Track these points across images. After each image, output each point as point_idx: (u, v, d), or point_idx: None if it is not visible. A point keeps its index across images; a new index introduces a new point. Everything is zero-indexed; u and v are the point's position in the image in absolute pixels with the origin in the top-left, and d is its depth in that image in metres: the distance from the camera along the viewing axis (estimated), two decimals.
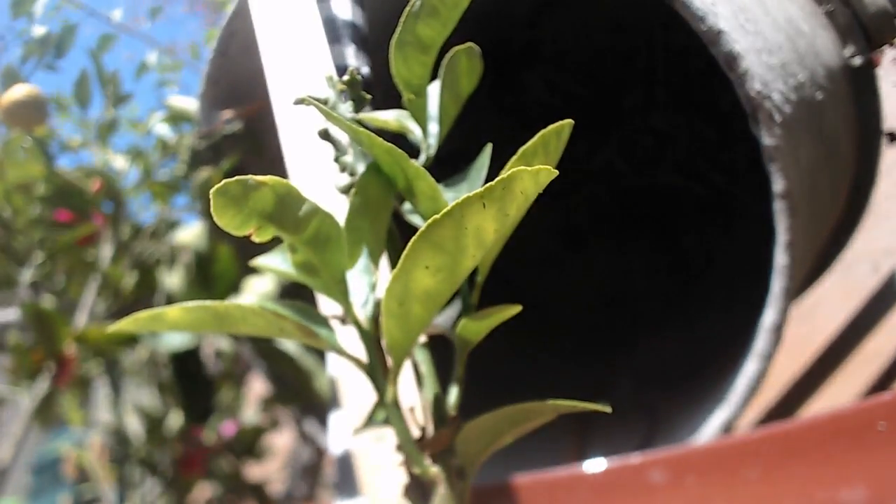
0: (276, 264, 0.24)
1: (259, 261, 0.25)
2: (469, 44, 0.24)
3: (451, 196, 0.24)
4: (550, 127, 0.20)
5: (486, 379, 0.56)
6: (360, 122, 0.24)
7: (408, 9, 0.23)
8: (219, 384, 0.75)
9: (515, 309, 0.19)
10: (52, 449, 1.06)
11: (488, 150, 0.24)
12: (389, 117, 0.26)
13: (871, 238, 0.62)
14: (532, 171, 0.15)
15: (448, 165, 0.28)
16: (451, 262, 0.17)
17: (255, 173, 0.19)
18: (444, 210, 0.16)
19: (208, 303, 0.19)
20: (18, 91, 0.57)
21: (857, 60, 0.48)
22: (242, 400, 0.79)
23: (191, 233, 0.64)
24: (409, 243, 0.17)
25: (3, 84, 0.60)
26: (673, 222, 0.76)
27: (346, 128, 0.20)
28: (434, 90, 0.25)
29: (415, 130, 0.26)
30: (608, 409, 0.19)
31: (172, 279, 0.63)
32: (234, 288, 0.63)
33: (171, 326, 0.19)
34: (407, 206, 0.25)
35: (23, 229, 0.64)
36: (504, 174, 0.15)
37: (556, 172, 0.16)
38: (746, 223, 0.69)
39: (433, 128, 0.25)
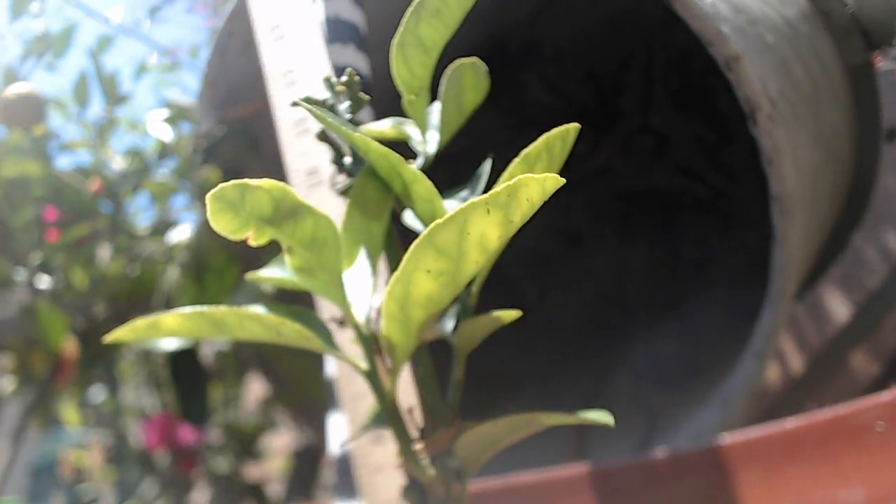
0: (275, 274, 0.24)
1: (259, 273, 0.25)
2: (474, 58, 0.24)
3: (452, 203, 0.24)
4: (555, 130, 0.20)
5: (485, 374, 0.56)
6: (357, 124, 0.24)
7: (409, 9, 0.22)
8: (216, 384, 0.75)
9: (514, 314, 0.19)
10: (51, 450, 1.06)
11: (489, 160, 0.24)
12: (386, 126, 0.26)
13: (871, 238, 0.62)
14: (539, 178, 0.15)
15: (445, 164, 0.28)
16: (452, 267, 0.17)
17: (254, 175, 0.19)
18: (448, 215, 0.16)
19: (205, 309, 0.19)
20: (16, 90, 0.57)
21: (857, 61, 0.48)
22: (240, 399, 0.79)
23: (188, 232, 0.64)
24: (411, 246, 0.17)
25: (1, 83, 0.60)
26: (672, 222, 0.76)
27: (341, 132, 0.20)
28: (436, 105, 0.25)
29: (413, 135, 0.25)
30: (610, 422, 0.19)
31: (170, 279, 0.63)
32: (232, 287, 0.63)
33: (169, 334, 0.19)
34: (406, 209, 0.25)
35: (21, 228, 0.64)
36: (510, 181, 0.15)
37: (563, 181, 0.16)
38: (745, 223, 0.69)
39: (433, 135, 0.25)
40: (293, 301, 0.27)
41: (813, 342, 0.62)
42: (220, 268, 0.62)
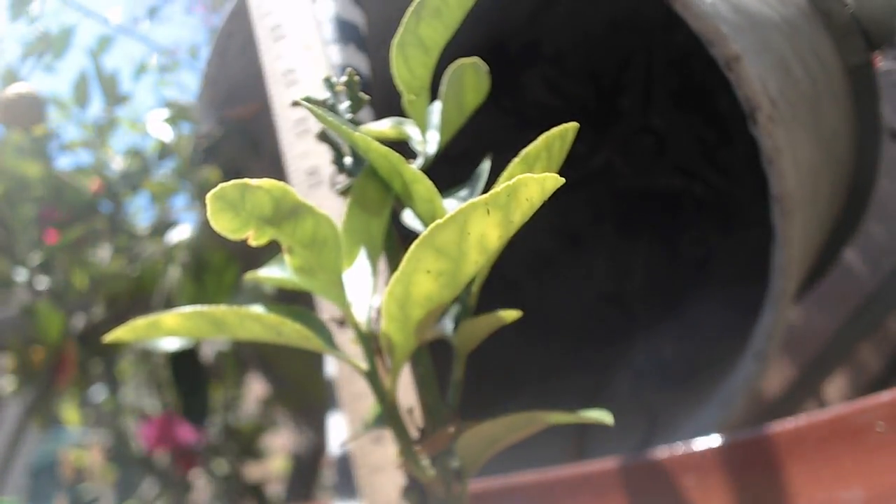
0: (275, 274, 0.24)
1: (259, 273, 0.25)
2: (475, 59, 0.24)
3: (452, 203, 0.24)
4: (554, 130, 0.20)
5: (485, 374, 0.56)
6: (357, 124, 0.24)
7: (410, 9, 0.22)
8: (216, 384, 0.75)
9: (514, 314, 0.19)
10: (51, 450, 1.06)
11: (488, 159, 0.24)
12: (386, 126, 0.26)
13: (871, 238, 0.62)
14: (538, 178, 0.15)
15: (445, 164, 0.28)
16: (453, 268, 0.17)
17: (254, 175, 0.19)
18: (448, 215, 0.16)
19: (205, 309, 0.19)
20: (16, 90, 0.57)
21: (857, 61, 0.48)
22: (240, 399, 0.79)
23: (188, 232, 0.64)
24: (412, 247, 0.17)
25: (1, 83, 0.60)
26: (672, 222, 0.76)
27: (342, 132, 0.20)
28: (437, 106, 0.25)
29: (413, 135, 0.25)
30: (610, 422, 0.19)
31: (170, 279, 0.63)
32: (232, 287, 0.63)
33: (169, 333, 0.19)
34: (406, 209, 0.25)
35: (21, 228, 0.64)
36: (510, 181, 0.15)
37: (563, 180, 0.16)
38: (745, 223, 0.69)
39: (433, 135, 0.25)
40: (293, 301, 0.27)
41: (813, 342, 0.61)
42: (219, 267, 0.62)
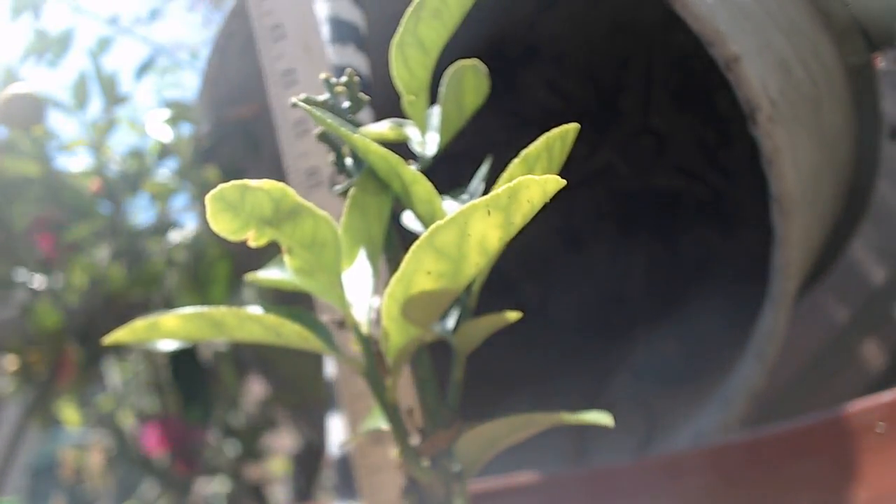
0: (275, 275, 0.24)
1: (258, 275, 0.25)
2: (475, 60, 0.24)
3: (452, 205, 0.24)
4: (555, 131, 0.20)
5: (485, 375, 0.56)
6: (357, 125, 0.24)
7: (409, 9, 0.22)
8: (216, 384, 0.75)
9: (514, 315, 0.19)
10: (51, 450, 1.06)
11: (488, 160, 0.24)
12: (385, 127, 0.26)
13: (871, 238, 0.62)
14: (540, 180, 0.15)
15: (444, 165, 0.28)
16: (453, 269, 0.17)
17: (254, 175, 0.19)
18: (449, 216, 0.16)
19: (204, 310, 0.19)
20: (15, 90, 0.57)
21: (857, 61, 0.48)
22: (240, 399, 0.79)
23: (188, 233, 0.64)
24: (412, 248, 0.17)
25: (1, 83, 0.60)
26: (672, 223, 0.76)
27: (341, 133, 0.20)
28: (436, 107, 0.25)
29: (413, 136, 0.25)
30: (610, 423, 0.19)
31: (170, 280, 0.63)
32: (232, 288, 0.63)
33: (168, 335, 0.19)
34: (406, 210, 0.25)
35: (21, 229, 0.64)
36: (511, 183, 0.15)
37: (564, 182, 0.16)
38: (746, 224, 0.69)
39: (432, 136, 0.25)
40: (292, 302, 0.27)
41: (813, 343, 0.62)
42: (212, 259, 0.62)
